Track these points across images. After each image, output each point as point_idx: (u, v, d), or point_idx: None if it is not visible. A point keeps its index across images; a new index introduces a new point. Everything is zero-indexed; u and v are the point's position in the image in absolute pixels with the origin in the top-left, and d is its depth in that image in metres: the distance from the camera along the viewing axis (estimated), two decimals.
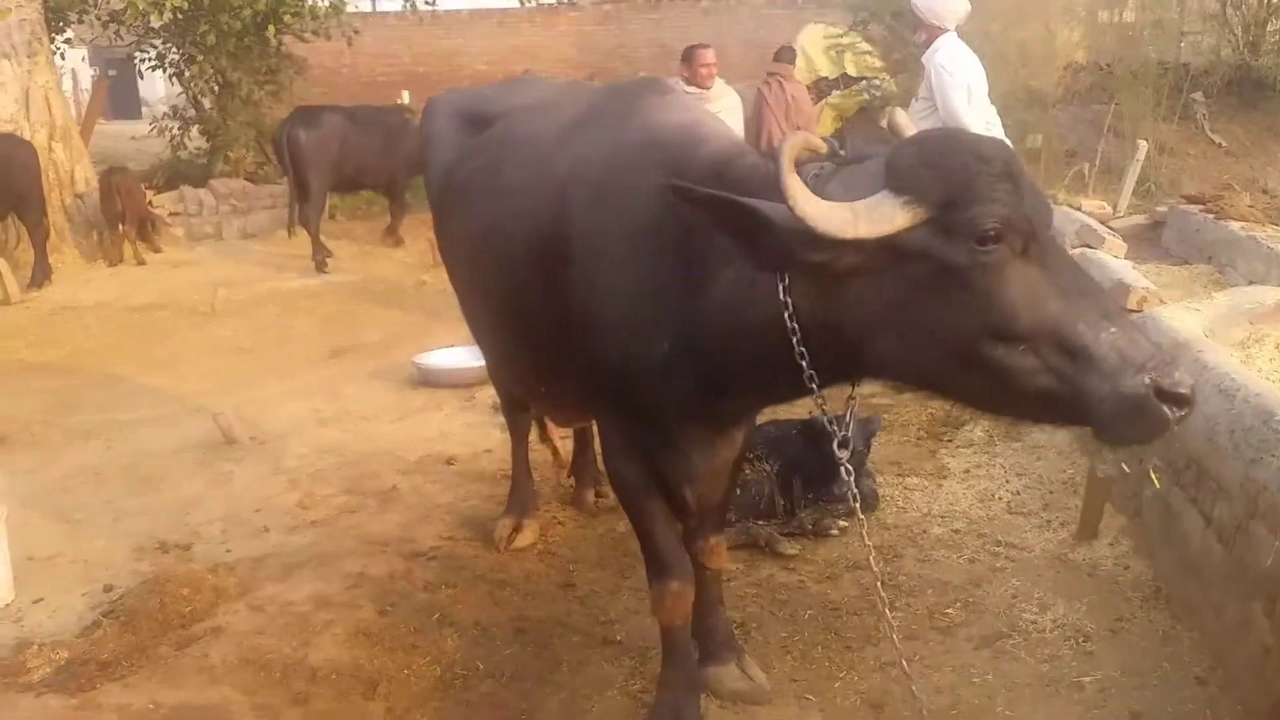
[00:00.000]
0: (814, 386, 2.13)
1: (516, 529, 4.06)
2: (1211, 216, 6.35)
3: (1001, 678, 3.00)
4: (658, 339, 2.38)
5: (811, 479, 4.07)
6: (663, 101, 2.70)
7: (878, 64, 14.39)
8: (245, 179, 11.75)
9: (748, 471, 4.06)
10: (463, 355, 6.75)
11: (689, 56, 6.57)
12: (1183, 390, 1.78)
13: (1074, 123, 14.57)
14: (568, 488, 4.58)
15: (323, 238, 10.10)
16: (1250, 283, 5.57)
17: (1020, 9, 13.74)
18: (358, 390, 6.42)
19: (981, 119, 5.42)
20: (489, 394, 6.25)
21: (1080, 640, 3.13)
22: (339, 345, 7.48)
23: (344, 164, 9.97)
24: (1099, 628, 3.19)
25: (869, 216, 1.86)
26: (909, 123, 2.36)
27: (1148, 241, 7.26)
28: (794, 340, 2.06)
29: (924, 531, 4.02)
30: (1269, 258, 5.38)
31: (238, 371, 6.81)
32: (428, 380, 6.52)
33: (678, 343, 2.36)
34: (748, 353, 2.24)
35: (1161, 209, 7.59)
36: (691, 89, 6.51)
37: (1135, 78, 13.83)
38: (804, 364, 2.07)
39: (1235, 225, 6.07)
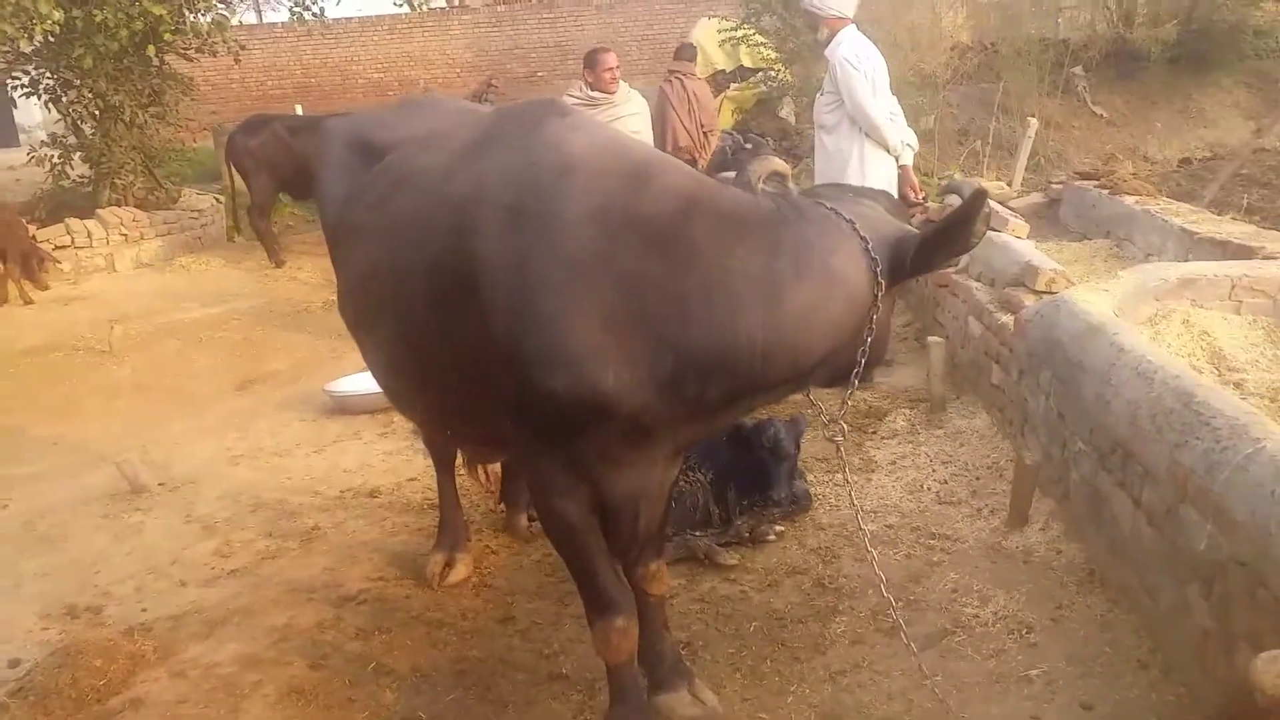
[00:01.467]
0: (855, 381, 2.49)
1: (449, 564, 3.93)
2: (1106, 192, 6.53)
3: (950, 678, 3.00)
4: (645, 361, 2.32)
5: (745, 485, 4.04)
6: (568, 123, 2.60)
7: (772, 55, 14.50)
8: (135, 206, 11.24)
9: (682, 483, 4.01)
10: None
11: (592, 61, 6.45)
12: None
13: (964, 102, 14.92)
14: (499, 514, 4.46)
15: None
16: (1148, 255, 5.74)
17: None
18: (269, 424, 6.19)
19: (885, 110, 5.45)
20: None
21: (1024, 632, 3.15)
22: (246, 376, 7.21)
23: (283, 169, 10.26)
24: (1040, 617, 3.22)
25: None
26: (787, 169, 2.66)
27: (1046, 219, 7.43)
28: (866, 340, 2.41)
29: (858, 528, 4.01)
30: (1165, 230, 5.54)
31: (140, 412, 6.51)
32: (342, 408, 6.32)
33: (682, 362, 2.33)
34: (809, 358, 2.40)
35: (1057, 186, 7.78)
36: (596, 94, 6.41)
37: (1020, 55, 14.23)
38: (861, 362, 2.44)
39: (1130, 199, 6.25)
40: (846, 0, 5.42)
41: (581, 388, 2.33)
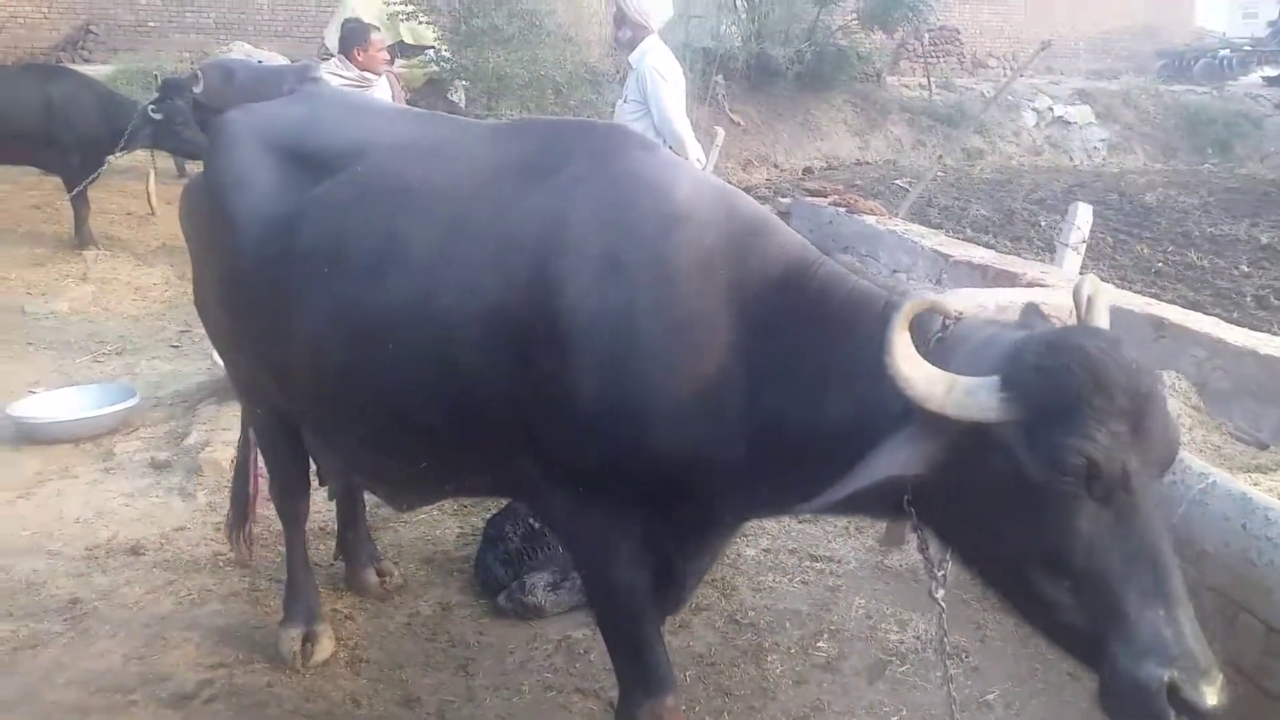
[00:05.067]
0: (911, 510, 1.95)
1: (309, 639, 3.31)
2: (843, 210, 7.06)
3: (915, 710, 3.07)
4: (728, 438, 2.14)
5: None
6: (659, 160, 2.35)
7: (435, 34, 13.97)
8: None
9: None
10: (77, 398, 5.42)
11: (363, 39, 5.75)
12: (1200, 704, 1.64)
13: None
14: (333, 571, 3.84)
15: None
16: (894, 272, 6.29)
17: None
18: None
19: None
20: (133, 447, 5.10)
21: (963, 656, 3.31)
22: None
23: None
24: (969, 639, 3.39)
25: (962, 396, 1.77)
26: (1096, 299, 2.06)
27: None
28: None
29: (739, 555, 3.99)
30: (914, 251, 6.10)
31: None
32: (32, 437, 5.12)
33: (754, 446, 2.14)
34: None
35: (785, 200, 8.29)
36: (368, 74, 5.76)
37: (679, 59, 14.97)
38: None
39: (870, 219, 6.82)
40: (657, 9, 5.32)
41: (671, 458, 2.15)
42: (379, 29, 5.96)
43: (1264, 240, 10.41)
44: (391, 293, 2.37)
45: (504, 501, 3.96)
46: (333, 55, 11.81)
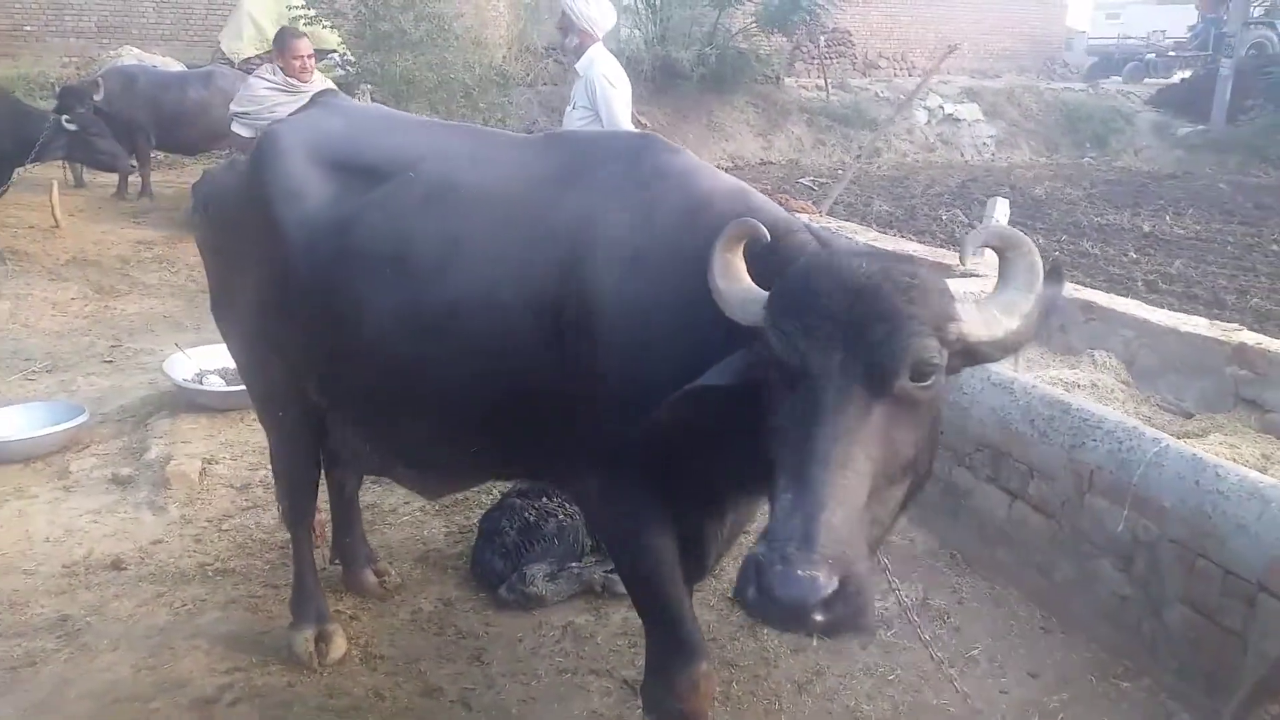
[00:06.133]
0: None
1: (322, 638, 3.38)
2: None
3: (910, 669, 3.31)
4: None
5: None
6: (679, 161, 2.53)
7: (338, 39, 13.79)
8: None
9: (561, 517, 3.88)
10: (22, 417, 5.28)
11: (281, 43, 5.74)
12: (767, 580, 1.63)
13: (528, 104, 15.57)
14: (329, 574, 3.88)
15: None
16: None
17: None
18: None
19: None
20: (89, 464, 5.01)
21: (945, 618, 3.57)
22: None
23: None
24: (948, 603, 3.66)
25: (750, 304, 2.02)
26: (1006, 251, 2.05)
27: None
28: None
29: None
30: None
31: None
32: None
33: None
34: None
35: None
36: (294, 81, 5.75)
37: None
38: None
39: (803, 217, 7.09)
40: (603, 19, 5.45)
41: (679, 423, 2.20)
42: (301, 34, 5.96)
43: (1146, 228, 11.18)
44: (453, 289, 2.51)
45: (489, 499, 4.09)
46: (228, 59, 11.57)
